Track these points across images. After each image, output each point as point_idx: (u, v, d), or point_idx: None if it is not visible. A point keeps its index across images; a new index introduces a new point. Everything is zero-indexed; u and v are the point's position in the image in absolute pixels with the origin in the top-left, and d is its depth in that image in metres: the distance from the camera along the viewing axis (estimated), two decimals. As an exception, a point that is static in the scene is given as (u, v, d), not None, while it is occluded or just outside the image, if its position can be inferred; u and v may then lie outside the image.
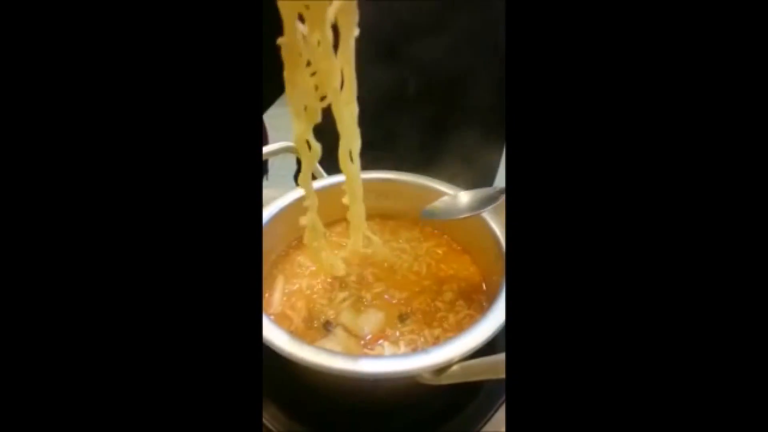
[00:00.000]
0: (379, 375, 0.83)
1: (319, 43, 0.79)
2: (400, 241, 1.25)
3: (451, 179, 1.23)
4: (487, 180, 1.84)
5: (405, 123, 1.41)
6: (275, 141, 1.21)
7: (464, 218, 1.09)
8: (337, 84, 0.85)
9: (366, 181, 1.03)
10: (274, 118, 1.69)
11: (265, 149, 1.16)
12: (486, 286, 1.15)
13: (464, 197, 1.11)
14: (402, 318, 1.08)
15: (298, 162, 1.59)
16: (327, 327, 1.05)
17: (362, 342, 1.03)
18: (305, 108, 0.85)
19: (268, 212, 1.09)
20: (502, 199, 1.05)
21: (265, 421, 0.97)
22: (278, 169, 1.20)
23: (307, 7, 0.75)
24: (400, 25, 1.44)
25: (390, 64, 1.46)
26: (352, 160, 0.95)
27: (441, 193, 1.19)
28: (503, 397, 1.03)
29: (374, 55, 1.42)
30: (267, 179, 1.88)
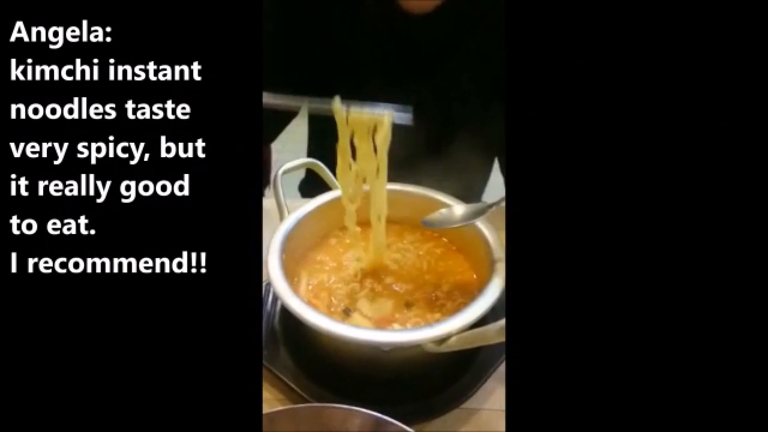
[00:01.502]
0: (394, 344, 0.89)
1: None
2: (404, 242, 1.22)
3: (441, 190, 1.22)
4: (474, 193, 1.67)
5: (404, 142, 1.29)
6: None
7: (458, 227, 1.11)
8: (375, 173, 1.03)
9: (372, 191, 1.08)
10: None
11: (289, 164, 1.19)
12: (477, 278, 1.12)
13: (459, 210, 1.12)
14: (408, 305, 1.07)
15: (306, 173, 1.51)
16: (346, 312, 1.05)
17: (376, 324, 1.03)
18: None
19: (294, 217, 1.12)
20: (490, 211, 1.07)
21: (297, 388, 0.99)
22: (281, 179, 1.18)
23: (355, 133, 1.00)
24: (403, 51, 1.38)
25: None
26: (379, 220, 1.07)
27: (438, 202, 1.17)
28: (490, 370, 1.02)
29: (384, 83, 1.37)
30: (269, 190, 1.74)
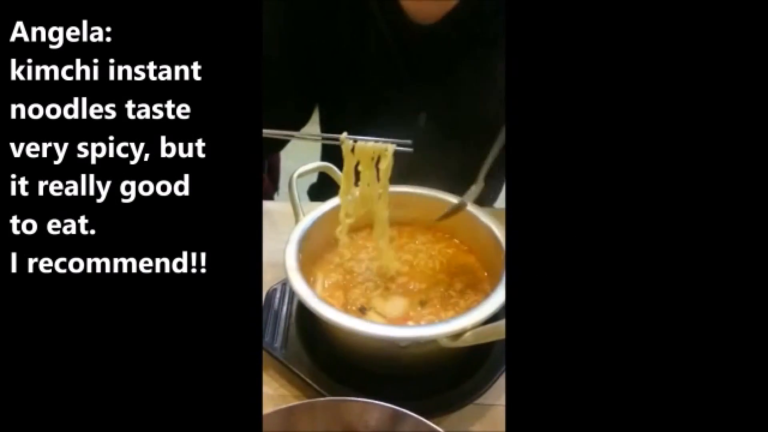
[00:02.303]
0: (411, 339, 0.89)
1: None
2: (417, 243, 1.19)
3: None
4: (487, 200, 1.64)
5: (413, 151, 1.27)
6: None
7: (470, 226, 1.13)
8: (377, 197, 1.04)
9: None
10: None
11: (304, 168, 1.17)
12: (489, 277, 1.10)
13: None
14: (422, 303, 1.05)
15: (319, 176, 1.50)
16: (362, 311, 1.03)
17: (391, 322, 1.02)
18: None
19: (310, 218, 1.10)
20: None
21: (314, 385, 0.97)
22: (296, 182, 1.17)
23: (360, 161, 1.00)
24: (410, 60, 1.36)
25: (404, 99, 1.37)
26: (381, 237, 1.08)
27: (449, 204, 1.15)
28: (502, 368, 0.99)
29: (392, 90, 1.37)
30: (278, 194, 1.71)
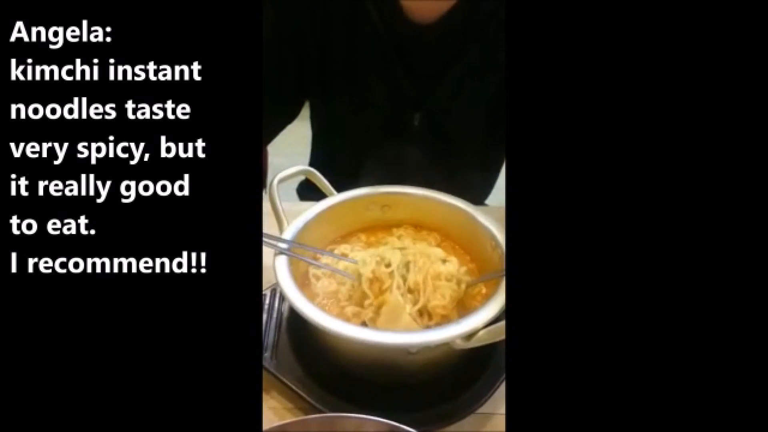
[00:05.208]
0: (423, 344, 0.90)
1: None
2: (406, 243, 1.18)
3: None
4: (477, 196, 1.66)
5: (407, 151, 1.31)
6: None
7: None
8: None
9: (373, 195, 1.17)
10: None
11: (283, 173, 1.17)
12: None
13: None
14: (420, 313, 1.04)
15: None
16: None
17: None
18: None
19: (294, 227, 1.11)
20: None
21: (306, 396, 1.00)
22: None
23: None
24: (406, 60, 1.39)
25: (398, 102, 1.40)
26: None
27: (440, 202, 1.20)
28: (503, 376, 1.02)
29: (387, 88, 1.40)
30: (265, 193, 1.74)
